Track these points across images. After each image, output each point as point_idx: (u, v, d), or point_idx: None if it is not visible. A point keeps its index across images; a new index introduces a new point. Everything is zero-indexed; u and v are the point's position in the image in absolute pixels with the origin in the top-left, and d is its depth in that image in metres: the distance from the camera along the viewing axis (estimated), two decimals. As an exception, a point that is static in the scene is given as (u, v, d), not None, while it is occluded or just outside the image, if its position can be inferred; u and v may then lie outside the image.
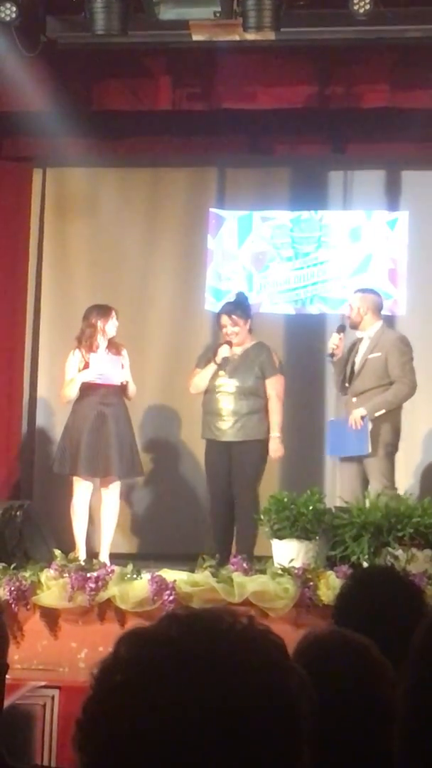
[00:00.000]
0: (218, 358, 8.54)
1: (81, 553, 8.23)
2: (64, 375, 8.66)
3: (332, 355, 8.56)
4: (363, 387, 8.41)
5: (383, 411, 8.34)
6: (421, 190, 9.99)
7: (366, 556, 7.34)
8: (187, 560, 7.95)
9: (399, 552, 7.34)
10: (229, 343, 8.55)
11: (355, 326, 8.63)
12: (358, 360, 8.51)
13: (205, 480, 8.98)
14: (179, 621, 1.38)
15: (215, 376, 8.58)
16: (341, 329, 8.64)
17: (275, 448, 8.59)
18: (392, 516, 7.40)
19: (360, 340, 8.61)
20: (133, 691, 1.33)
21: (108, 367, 8.53)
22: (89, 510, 8.63)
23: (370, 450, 8.26)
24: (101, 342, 8.60)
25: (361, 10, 7.83)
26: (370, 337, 8.55)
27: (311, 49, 8.73)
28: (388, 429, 8.40)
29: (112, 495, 8.57)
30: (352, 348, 8.60)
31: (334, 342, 8.57)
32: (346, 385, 8.53)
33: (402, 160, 9.95)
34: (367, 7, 7.81)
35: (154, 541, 9.79)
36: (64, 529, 8.57)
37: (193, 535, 9.23)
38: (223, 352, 8.54)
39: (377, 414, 8.31)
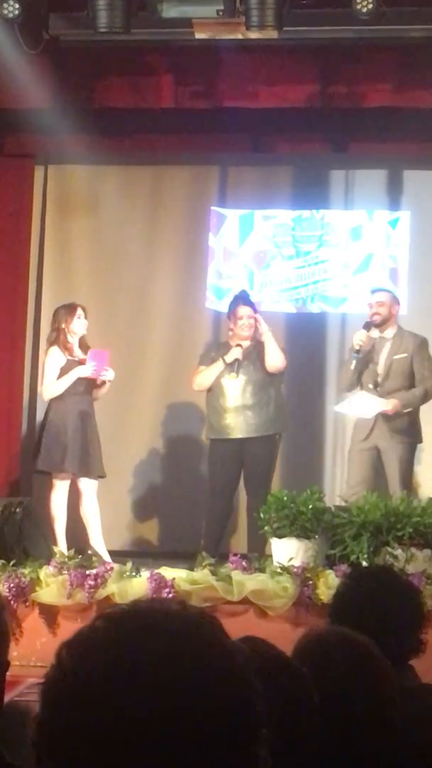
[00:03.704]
0: (229, 358, 8.53)
1: (62, 549, 8.16)
2: (44, 373, 8.64)
3: (358, 351, 8.53)
4: (391, 388, 8.49)
5: (411, 408, 8.52)
6: (423, 190, 9.99)
7: (365, 556, 7.34)
8: (185, 558, 7.95)
9: (398, 551, 7.34)
10: (240, 347, 8.55)
11: (382, 323, 8.62)
12: (383, 361, 8.54)
13: (202, 477, 8.97)
14: (113, 621, 1.37)
15: (221, 374, 8.57)
16: (369, 326, 8.61)
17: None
18: (392, 515, 7.40)
19: (378, 340, 8.62)
20: (80, 702, 1.31)
21: (103, 362, 8.48)
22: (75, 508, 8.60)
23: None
24: (73, 342, 8.57)
25: (364, 10, 7.84)
26: (392, 338, 8.60)
27: (314, 48, 8.73)
28: (412, 425, 8.53)
29: (93, 493, 8.53)
30: (373, 348, 8.60)
31: (361, 338, 8.52)
32: (370, 386, 8.53)
33: (404, 160, 9.96)
34: (370, 6, 7.82)
35: (152, 538, 9.80)
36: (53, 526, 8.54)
37: (191, 533, 9.22)
38: (236, 353, 8.53)
39: (406, 411, 8.47)
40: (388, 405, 8.40)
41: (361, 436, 8.55)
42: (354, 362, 8.56)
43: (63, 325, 8.55)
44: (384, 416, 8.45)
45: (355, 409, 8.59)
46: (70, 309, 8.60)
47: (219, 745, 1.30)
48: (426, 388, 8.54)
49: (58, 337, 8.57)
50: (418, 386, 8.53)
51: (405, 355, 8.56)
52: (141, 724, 1.28)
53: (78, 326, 8.56)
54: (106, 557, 8.17)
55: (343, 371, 8.71)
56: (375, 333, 8.63)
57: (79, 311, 8.56)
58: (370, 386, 8.55)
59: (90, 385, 8.51)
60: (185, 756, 1.28)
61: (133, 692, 1.29)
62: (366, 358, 8.58)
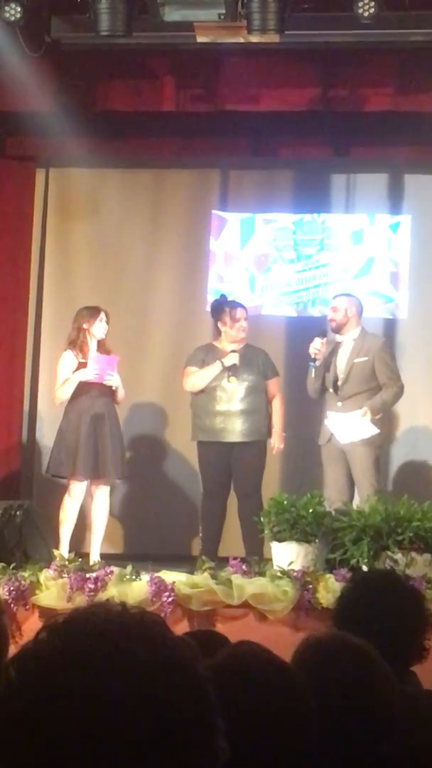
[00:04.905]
0: (227, 362, 8.53)
1: (64, 552, 8.17)
2: (57, 376, 8.64)
3: (314, 359, 8.52)
4: (351, 391, 8.40)
5: (381, 415, 8.39)
6: (424, 194, 9.99)
7: (365, 560, 7.34)
8: (183, 561, 7.94)
9: (398, 556, 7.34)
10: (236, 351, 8.56)
11: (339, 329, 8.59)
12: (343, 364, 8.48)
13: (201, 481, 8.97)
14: (56, 632, 1.36)
15: (217, 377, 8.57)
16: (324, 334, 8.60)
17: (278, 441, 8.59)
18: (392, 519, 7.40)
19: (340, 344, 8.59)
20: (34, 714, 1.31)
21: (103, 365, 8.49)
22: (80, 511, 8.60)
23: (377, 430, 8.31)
24: (91, 344, 8.57)
25: (366, 14, 7.83)
26: (353, 340, 8.54)
27: (315, 52, 8.73)
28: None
29: (103, 496, 8.54)
30: (332, 352, 8.56)
31: (315, 347, 8.48)
32: (330, 390, 8.50)
33: (405, 164, 9.96)
34: (372, 10, 7.81)
35: (150, 542, 9.79)
36: (58, 529, 8.54)
37: (189, 536, 9.23)
38: (234, 358, 8.53)
39: (376, 417, 8.33)
40: (366, 416, 8.30)
41: (324, 438, 8.52)
42: (313, 371, 8.53)
43: (85, 326, 8.55)
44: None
45: (351, 434, 8.44)
46: (93, 311, 8.61)
47: (174, 739, 1.30)
48: (392, 392, 8.43)
49: (77, 337, 8.56)
50: (384, 390, 8.42)
51: (366, 358, 8.45)
52: (95, 727, 1.29)
53: (98, 329, 8.55)
54: (96, 559, 8.17)
55: (308, 379, 8.63)
56: (339, 337, 8.61)
57: (102, 315, 8.57)
58: (331, 390, 8.52)
59: (106, 387, 8.51)
60: (142, 753, 1.29)
61: (83, 697, 1.30)
62: (327, 362, 8.54)
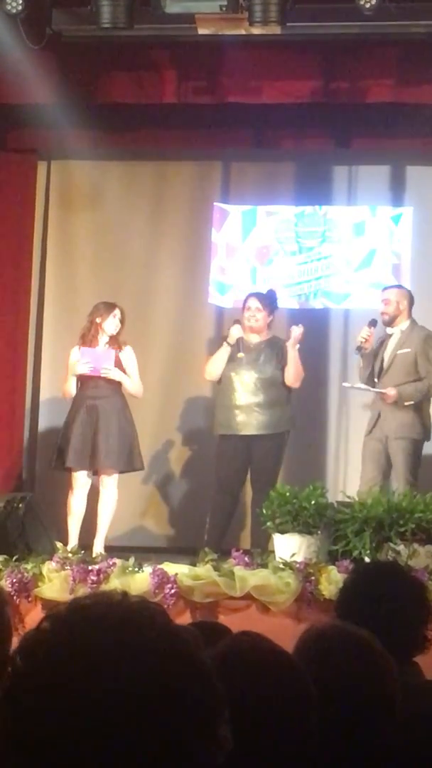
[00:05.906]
0: (231, 339, 8.55)
1: (72, 545, 8.17)
2: (66, 371, 8.70)
3: (360, 348, 8.60)
4: (392, 382, 8.47)
5: (412, 402, 8.44)
6: (426, 186, 9.99)
7: (368, 551, 7.35)
8: (188, 553, 7.94)
9: (401, 547, 7.35)
10: (239, 322, 8.56)
11: (390, 321, 8.66)
12: (387, 355, 8.58)
13: (206, 473, 8.97)
14: (60, 621, 1.37)
15: (232, 367, 8.58)
16: (373, 323, 8.65)
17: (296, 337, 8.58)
18: (394, 511, 7.41)
19: (389, 336, 8.67)
20: (42, 702, 1.32)
21: (96, 358, 8.53)
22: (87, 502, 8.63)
23: None
24: (101, 339, 8.61)
25: (367, 5, 7.83)
26: (401, 332, 8.61)
27: (317, 44, 8.73)
28: (418, 422, 8.46)
29: (108, 488, 8.56)
30: (382, 344, 8.66)
31: (363, 335, 8.61)
32: (375, 380, 8.58)
33: (406, 156, 9.95)
34: (373, 2, 7.81)
35: (154, 534, 9.80)
36: (65, 521, 8.56)
37: (196, 528, 9.22)
38: (236, 332, 8.55)
39: (407, 403, 8.41)
40: (389, 392, 8.41)
41: (368, 429, 8.58)
42: (360, 360, 8.63)
43: (98, 320, 8.62)
44: (389, 410, 8.45)
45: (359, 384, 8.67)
46: (109, 306, 8.68)
47: (177, 727, 1.31)
48: (427, 384, 8.51)
49: (89, 330, 8.63)
50: (420, 382, 8.51)
51: (409, 350, 8.54)
52: (99, 714, 1.29)
53: (110, 325, 8.61)
54: (99, 551, 8.19)
55: (358, 369, 8.79)
56: (389, 329, 8.67)
57: (117, 312, 8.64)
58: (375, 380, 8.59)
59: (107, 380, 8.54)
60: (146, 741, 1.29)
61: (88, 685, 1.31)
62: (375, 352, 8.61)
